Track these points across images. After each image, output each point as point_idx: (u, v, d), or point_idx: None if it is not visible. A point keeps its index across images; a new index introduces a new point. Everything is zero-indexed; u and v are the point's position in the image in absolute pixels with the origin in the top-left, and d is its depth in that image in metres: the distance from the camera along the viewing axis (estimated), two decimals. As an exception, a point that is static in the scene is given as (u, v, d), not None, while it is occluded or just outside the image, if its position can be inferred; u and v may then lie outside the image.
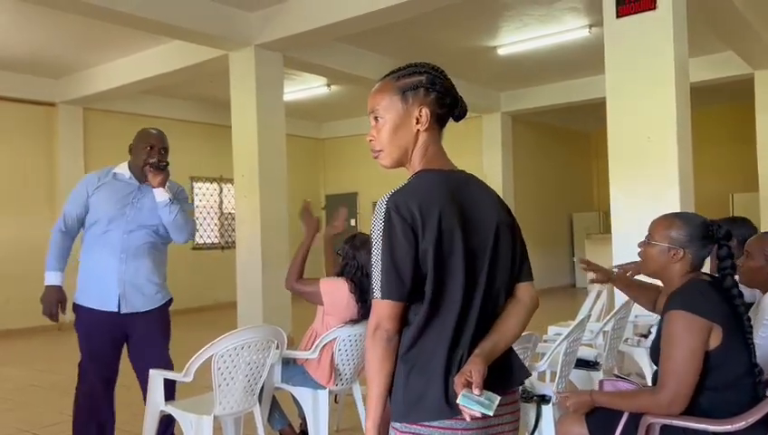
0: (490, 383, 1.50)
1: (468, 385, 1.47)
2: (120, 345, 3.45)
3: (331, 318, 3.59)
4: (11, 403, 5.44)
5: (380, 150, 1.74)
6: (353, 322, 3.52)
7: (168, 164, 3.45)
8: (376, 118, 1.74)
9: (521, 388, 3.06)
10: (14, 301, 8.76)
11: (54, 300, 3.37)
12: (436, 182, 1.65)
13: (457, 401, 1.46)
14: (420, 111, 1.69)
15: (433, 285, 1.57)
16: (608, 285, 5.23)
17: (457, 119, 1.77)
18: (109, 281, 3.34)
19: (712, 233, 2.35)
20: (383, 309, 1.57)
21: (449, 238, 1.58)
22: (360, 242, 3.56)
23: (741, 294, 2.32)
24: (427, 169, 1.69)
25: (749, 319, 2.32)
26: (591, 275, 2.93)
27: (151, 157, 3.37)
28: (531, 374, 2.38)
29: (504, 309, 1.68)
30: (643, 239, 2.48)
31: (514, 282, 1.72)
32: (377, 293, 1.58)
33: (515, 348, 2.79)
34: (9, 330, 8.80)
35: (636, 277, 3.01)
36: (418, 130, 1.70)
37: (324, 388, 3.54)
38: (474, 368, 1.50)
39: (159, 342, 3.48)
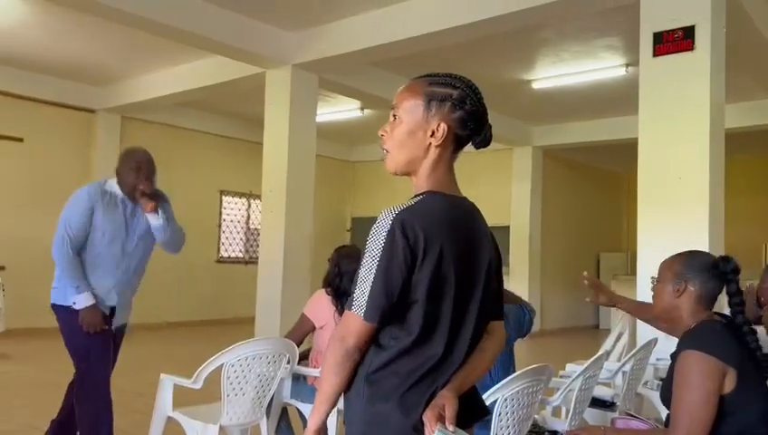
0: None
1: (441, 419, 1.45)
2: None
3: (324, 331, 3.60)
4: (26, 399, 5.50)
5: (389, 151, 1.68)
6: None
7: (157, 191, 3.45)
8: (395, 116, 1.68)
9: (531, 422, 3.01)
10: (42, 300, 8.84)
11: (99, 319, 3.39)
12: (444, 209, 1.58)
13: None
14: (439, 126, 1.60)
15: (423, 316, 1.51)
16: (628, 322, 5.10)
17: (478, 146, 1.67)
18: (105, 296, 3.44)
19: (718, 267, 2.29)
20: (356, 326, 1.50)
21: (446, 273, 1.53)
22: (345, 252, 3.72)
23: (754, 332, 2.23)
24: (435, 192, 1.61)
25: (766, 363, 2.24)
26: (602, 299, 2.88)
27: (140, 180, 3.33)
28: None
29: (479, 345, 1.63)
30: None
31: (492, 319, 1.68)
32: (356, 308, 1.49)
33: (529, 379, 2.75)
34: (36, 329, 8.90)
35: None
36: (431, 143, 1.61)
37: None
38: (447, 402, 1.47)
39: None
